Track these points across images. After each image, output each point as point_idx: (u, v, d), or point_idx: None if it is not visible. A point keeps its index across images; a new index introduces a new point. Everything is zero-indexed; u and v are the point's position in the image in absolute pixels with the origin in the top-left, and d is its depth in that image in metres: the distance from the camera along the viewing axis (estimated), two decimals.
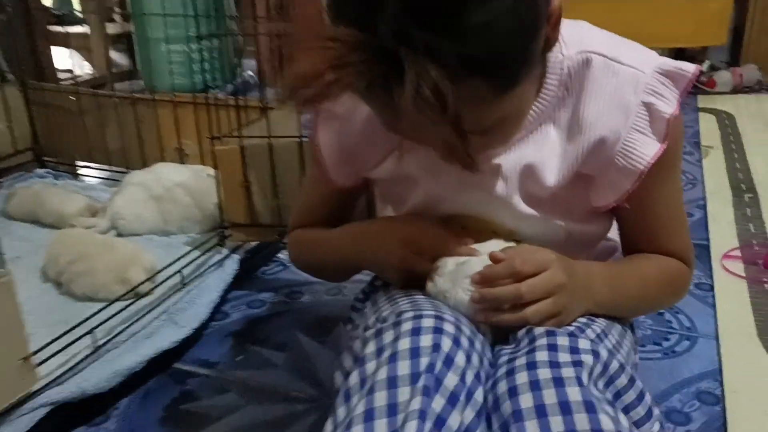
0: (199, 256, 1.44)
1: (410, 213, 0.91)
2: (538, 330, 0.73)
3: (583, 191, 0.84)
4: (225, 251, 1.48)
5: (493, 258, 0.76)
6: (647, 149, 0.76)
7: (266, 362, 1.31)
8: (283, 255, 1.72)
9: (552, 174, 0.80)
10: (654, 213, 0.84)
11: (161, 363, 1.27)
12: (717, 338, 1.32)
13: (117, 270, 1.32)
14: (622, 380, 0.71)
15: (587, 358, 0.68)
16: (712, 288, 1.49)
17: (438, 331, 0.69)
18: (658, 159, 0.76)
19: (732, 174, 2.04)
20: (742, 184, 1.96)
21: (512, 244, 0.85)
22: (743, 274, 1.51)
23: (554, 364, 0.67)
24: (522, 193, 0.83)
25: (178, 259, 1.39)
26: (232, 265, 1.46)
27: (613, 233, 0.96)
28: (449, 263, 0.81)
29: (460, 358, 0.68)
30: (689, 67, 0.77)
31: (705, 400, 1.17)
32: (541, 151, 0.80)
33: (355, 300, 1.03)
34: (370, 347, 0.70)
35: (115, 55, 3.85)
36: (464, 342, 0.71)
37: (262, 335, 1.40)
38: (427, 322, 0.70)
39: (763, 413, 1.11)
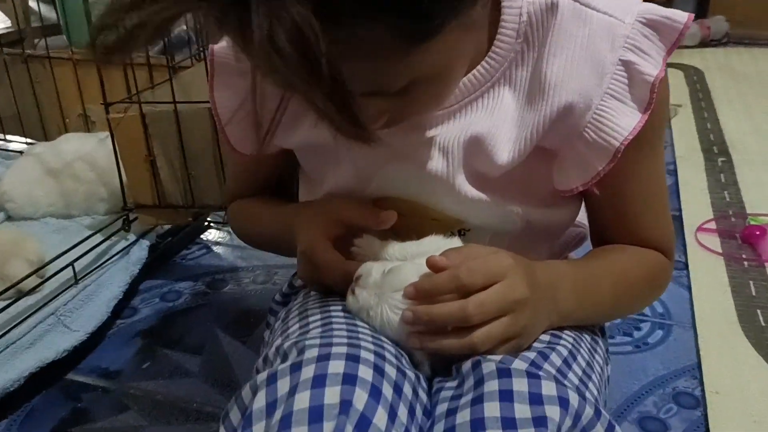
0: (99, 244, 1.22)
1: (331, 195, 0.74)
2: (488, 366, 0.55)
3: (545, 169, 0.68)
4: (131, 237, 1.26)
5: (431, 265, 0.58)
6: (624, 121, 0.61)
7: (178, 369, 1.14)
8: (206, 236, 1.52)
9: (505, 148, 0.64)
10: (631, 197, 0.69)
11: (50, 374, 1.07)
12: (694, 326, 1.18)
13: None
14: (598, 431, 0.54)
15: (553, 412, 0.51)
16: (686, 266, 1.35)
17: (350, 379, 0.51)
18: (638, 133, 0.61)
19: (703, 135, 1.89)
20: (714, 147, 1.81)
21: (456, 240, 0.67)
22: (720, 250, 1.38)
23: (509, 424, 0.49)
24: (467, 172, 0.66)
25: (73, 247, 1.17)
26: (139, 252, 1.26)
27: (582, 217, 0.80)
28: (374, 270, 0.62)
29: (379, 418, 0.50)
30: (679, 16, 0.60)
31: (683, 402, 1.04)
32: (492, 120, 0.63)
33: (273, 301, 0.86)
34: (259, 400, 0.52)
35: (44, 9, 3.51)
36: (386, 390, 0.52)
37: (176, 335, 1.23)
38: (336, 365, 0.52)
39: (750, 419, 0.97)
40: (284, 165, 0.82)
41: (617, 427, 0.56)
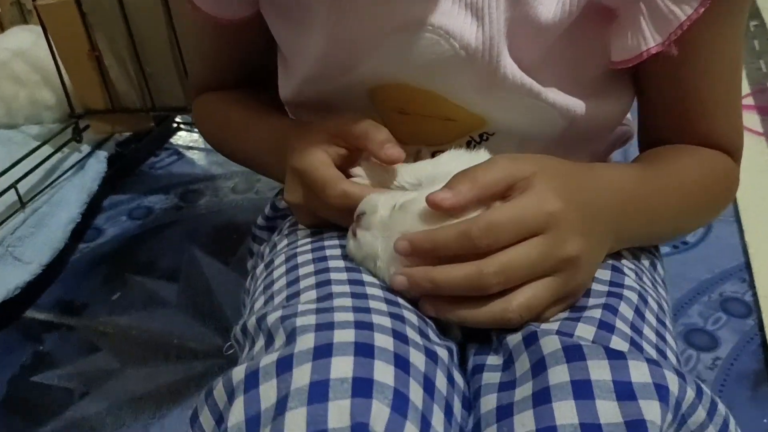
0: (46, 158, 1.04)
1: (307, 80, 0.57)
2: (548, 343, 0.40)
3: (598, 39, 0.52)
4: (85, 148, 1.08)
5: (431, 203, 0.41)
6: None
7: (153, 299, 1.02)
8: (176, 140, 1.34)
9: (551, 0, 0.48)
10: (705, 79, 0.54)
11: (3, 313, 0.93)
12: (738, 220, 1.04)
13: None
14: (699, 416, 0.40)
15: (651, 410, 0.36)
16: None
17: (363, 387, 0.36)
18: None
19: None
20: None
21: (483, 154, 0.50)
22: (760, 130, 1.21)
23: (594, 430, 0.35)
24: (510, 44, 0.49)
25: (14, 165, 0.99)
26: (96, 165, 1.09)
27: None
28: (381, 205, 0.46)
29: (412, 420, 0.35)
30: None
31: (733, 310, 0.93)
32: None
33: (255, 226, 0.72)
34: (236, 413, 0.37)
35: None
36: (415, 395, 0.38)
37: (148, 258, 1.10)
38: (341, 364, 0.37)
39: None
40: (266, 44, 0.65)
41: (720, 404, 0.42)
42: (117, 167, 1.18)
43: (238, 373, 0.39)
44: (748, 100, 1.30)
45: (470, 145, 0.56)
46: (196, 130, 1.36)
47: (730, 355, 0.85)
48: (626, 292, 0.47)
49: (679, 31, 0.47)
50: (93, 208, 1.12)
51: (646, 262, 0.56)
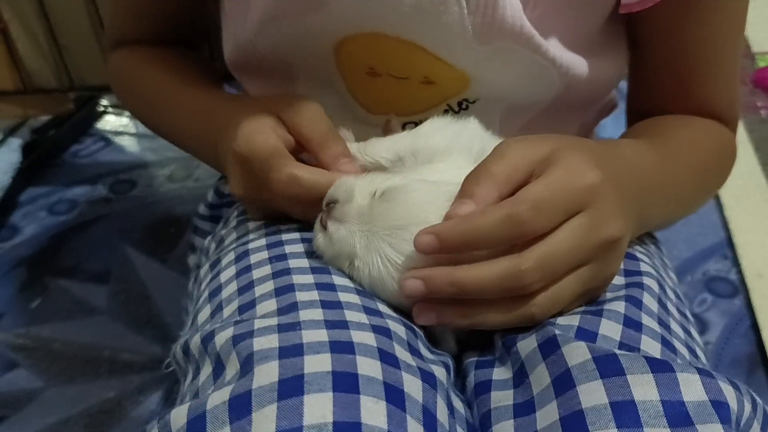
0: None
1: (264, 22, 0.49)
2: (573, 350, 0.35)
3: None
4: None
5: (456, 216, 0.35)
6: None
7: (79, 306, 0.91)
8: (102, 125, 1.23)
9: None
10: (708, 37, 0.52)
11: None
12: (716, 194, 0.99)
13: None
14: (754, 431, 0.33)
15: None
16: None
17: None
18: None
19: None
20: None
21: (473, 122, 0.45)
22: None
23: None
24: None
25: None
26: (8, 155, 0.99)
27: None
28: (357, 191, 0.38)
29: None
30: None
31: (719, 290, 0.89)
32: None
33: (197, 216, 0.66)
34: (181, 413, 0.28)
35: None
36: (412, 420, 0.30)
37: (73, 259, 0.99)
38: (315, 405, 0.28)
39: None
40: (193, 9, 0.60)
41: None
42: (33, 157, 1.06)
43: (178, 417, 0.29)
44: None
45: (448, 113, 0.50)
46: (125, 113, 1.24)
47: (720, 339, 0.82)
48: (646, 280, 0.42)
49: None
50: (6, 203, 1.03)
51: (652, 246, 0.51)
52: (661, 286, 0.43)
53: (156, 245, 0.99)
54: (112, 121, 1.25)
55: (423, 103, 0.51)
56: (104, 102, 1.24)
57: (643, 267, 0.44)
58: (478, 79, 0.48)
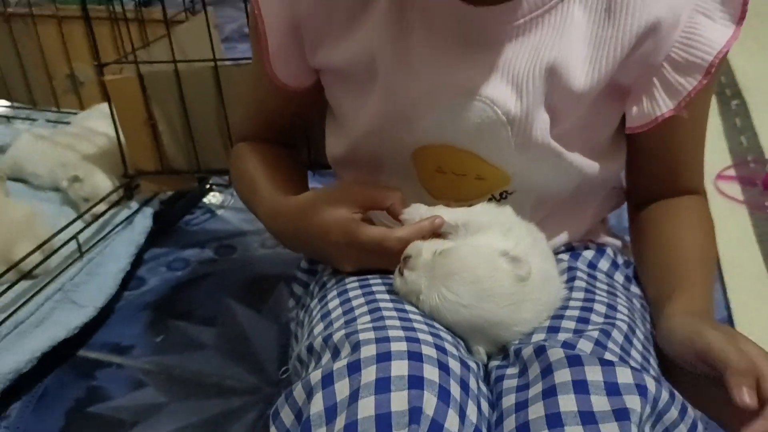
0: (102, 214, 1.16)
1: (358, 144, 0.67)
2: (555, 353, 0.52)
3: (613, 111, 0.63)
4: (134, 205, 1.20)
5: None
6: (716, 35, 0.57)
7: (192, 342, 1.10)
8: (209, 199, 1.45)
9: (581, 71, 0.58)
10: (690, 134, 0.65)
11: (61, 352, 1.03)
12: (721, 280, 1.15)
13: (1, 246, 1.03)
14: (672, 414, 0.51)
15: (633, 402, 0.48)
16: None
17: (416, 382, 0.47)
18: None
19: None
20: (726, 90, 1.75)
21: (508, 209, 0.62)
22: (741, 198, 1.33)
23: (588, 418, 0.46)
24: (542, 112, 0.60)
25: (76, 219, 1.11)
26: (143, 221, 1.21)
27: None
28: (424, 250, 0.57)
29: (451, 421, 0.46)
30: None
31: None
32: (562, 40, 0.58)
33: (298, 269, 0.81)
34: (317, 404, 0.48)
35: None
36: (454, 389, 0.49)
37: (187, 306, 1.19)
38: (399, 366, 0.48)
39: None
40: (306, 109, 0.76)
41: (690, 408, 0.53)
42: (160, 223, 1.28)
43: (315, 376, 0.50)
44: (731, 172, 1.42)
45: (491, 201, 0.66)
46: (227, 190, 1.48)
47: None
48: (618, 323, 0.59)
49: (688, 98, 0.58)
50: (136, 259, 1.21)
51: (636, 303, 0.67)
52: (631, 328, 0.61)
53: (252, 297, 1.17)
54: (217, 197, 1.47)
55: (475, 194, 0.66)
56: (211, 181, 1.48)
57: (619, 315, 0.62)
58: (517, 177, 0.64)
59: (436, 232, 0.60)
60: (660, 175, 0.68)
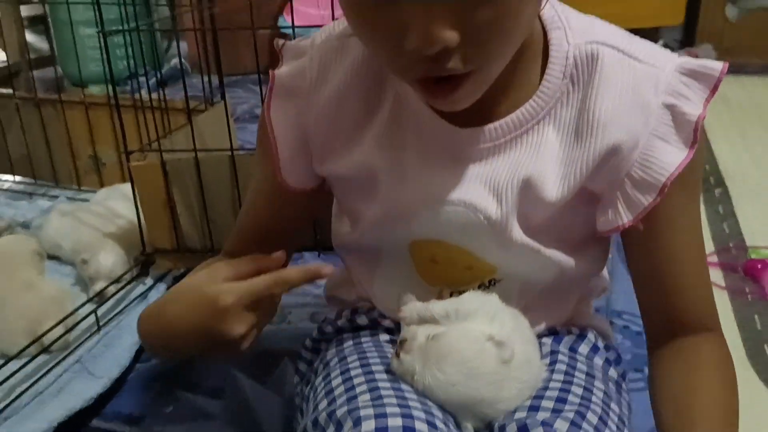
0: (120, 289, 1.24)
1: (365, 232, 0.75)
2: (536, 431, 0.58)
3: (586, 213, 0.70)
4: (149, 281, 1.28)
5: None
6: (670, 158, 0.64)
7: (201, 412, 1.13)
8: None
9: (553, 186, 0.66)
10: (689, 262, 0.69)
11: (76, 421, 1.08)
12: None
13: (30, 321, 1.11)
14: None
15: None
16: None
17: None
18: (682, 173, 0.64)
19: None
20: (710, 177, 1.85)
21: (494, 297, 0.70)
22: (723, 284, 1.40)
23: None
24: (519, 216, 0.68)
25: (96, 295, 1.18)
26: (156, 296, 1.27)
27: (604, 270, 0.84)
28: (419, 334, 0.65)
29: None
30: (715, 64, 0.64)
31: None
32: (538, 158, 0.66)
33: (303, 348, 0.90)
34: None
35: (33, 38, 3.53)
36: None
37: (195, 377, 1.23)
38: None
39: None
40: (303, 215, 0.84)
41: None
42: None
43: None
44: (713, 258, 1.50)
45: (481, 287, 0.74)
46: None
47: None
48: (593, 405, 0.66)
49: (643, 213, 0.65)
50: None
51: (612, 386, 0.73)
52: (605, 411, 0.67)
53: (258, 371, 1.20)
54: None
55: (465, 281, 0.73)
56: None
57: (594, 399, 0.68)
58: (502, 268, 0.72)
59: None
60: (666, 307, 0.70)
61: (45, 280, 1.24)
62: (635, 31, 0.66)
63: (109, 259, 1.25)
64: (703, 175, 0.71)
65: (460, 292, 0.71)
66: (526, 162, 0.65)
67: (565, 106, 0.65)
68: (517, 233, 0.68)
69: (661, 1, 2.63)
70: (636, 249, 0.71)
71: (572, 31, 0.65)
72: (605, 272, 0.85)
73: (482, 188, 0.66)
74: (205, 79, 1.40)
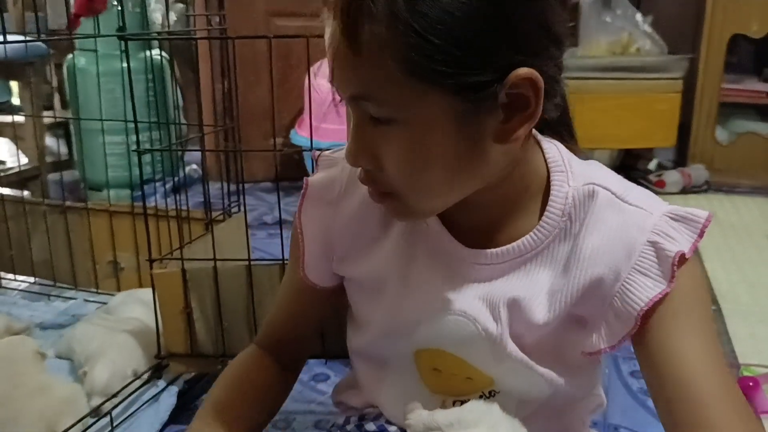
0: (134, 392, 1.28)
1: (373, 340, 0.81)
2: None
3: (576, 336, 0.74)
4: (162, 384, 1.32)
5: None
6: (646, 292, 0.67)
7: None
8: None
9: (541, 311, 0.71)
10: (681, 378, 0.66)
11: None
12: None
13: (47, 421, 1.14)
14: None
15: None
16: None
17: None
18: (669, 305, 0.67)
19: None
20: None
21: (495, 407, 0.74)
22: None
23: None
24: (512, 335, 0.73)
25: (112, 397, 1.23)
26: (168, 399, 1.31)
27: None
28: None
29: None
30: (701, 213, 0.69)
31: None
32: (530, 285, 0.72)
33: None
34: None
35: (52, 142, 3.69)
36: None
37: None
38: None
39: None
40: (325, 307, 0.89)
41: None
42: (179, 402, 1.39)
43: None
44: None
45: (482, 397, 0.78)
46: None
47: None
48: None
49: (620, 341, 0.69)
50: None
51: None
52: None
53: None
54: None
55: (466, 391, 0.77)
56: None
57: None
58: (499, 380, 0.76)
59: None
60: (674, 418, 0.67)
61: (55, 381, 1.28)
62: (631, 151, 0.73)
63: (104, 375, 1.27)
64: (705, 303, 0.71)
65: (462, 402, 0.75)
66: (519, 286, 0.72)
67: (562, 242, 0.70)
68: (512, 348, 0.72)
69: (655, 124, 2.77)
70: (646, 378, 0.71)
71: (573, 175, 0.71)
72: (600, 389, 0.89)
73: (480, 303, 0.73)
74: (224, 190, 1.49)
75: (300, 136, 2.67)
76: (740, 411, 0.65)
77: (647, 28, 2.86)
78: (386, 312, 0.78)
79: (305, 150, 1.92)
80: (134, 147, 2.24)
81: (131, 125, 1.23)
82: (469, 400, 0.75)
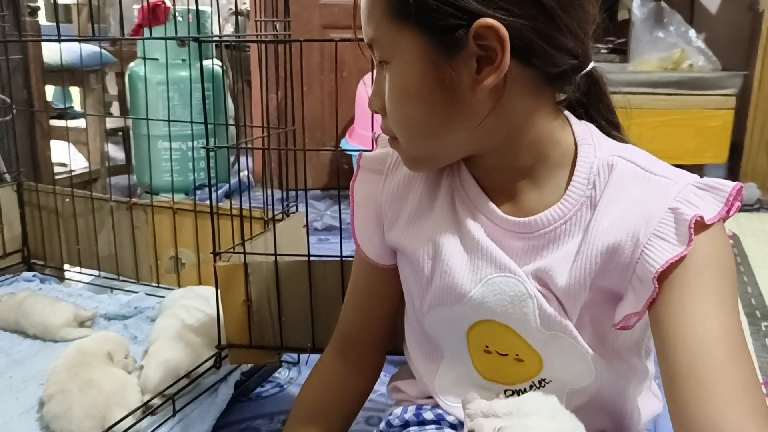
0: (195, 380, 1.34)
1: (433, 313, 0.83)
2: None
3: (612, 310, 0.76)
4: (222, 372, 1.38)
5: None
6: (663, 254, 0.68)
7: None
8: (279, 374, 1.61)
9: (563, 276, 0.74)
10: (693, 342, 0.65)
11: None
12: None
13: (97, 414, 1.20)
14: None
15: None
16: None
17: None
18: (686, 271, 0.67)
19: (744, 299, 1.98)
20: (756, 311, 1.89)
21: (553, 398, 0.76)
22: None
23: None
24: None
25: (173, 384, 1.28)
26: (226, 390, 1.36)
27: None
28: (486, 427, 0.72)
29: None
30: (729, 183, 0.70)
31: None
32: (556, 254, 0.75)
33: None
34: None
35: (112, 148, 3.84)
36: None
37: None
38: None
39: None
40: (389, 305, 0.93)
41: None
42: (236, 393, 1.44)
43: None
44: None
45: (532, 388, 0.81)
46: (294, 367, 1.64)
47: None
48: None
49: (646, 306, 0.69)
50: (214, 426, 1.34)
51: None
52: None
53: None
54: (285, 373, 1.61)
55: (516, 378, 0.80)
56: (283, 357, 1.64)
57: None
58: (546, 361, 0.78)
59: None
60: (681, 384, 0.65)
61: (110, 371, 1.32)
62: (680, 167, 0.73)
63: (156, 376, 1.32)
64: (726, 275, 0.69)
65: (515, 393, 0.78)
66: (546, 254, 0.75)
67: (588, 210, 0.73)
68: (553, 310, 0.75)
69: (706, 141, 2.76)
70: (656, 347, 0.71)
71: (600, 148, 0.74)
72: (654, 390, 0.89)
73: (516, 266, 0.77)
74: (283, 188, 1.55)
75: (350, 144, 2.73)
76: (745, 387, 0.63)
77: (700, 44, 2.85)
78: (437, 279, 0.81)
79: (365, 151, 1.96)
80: (196, 149, 2.32)
81: (192, 130, 1.28)
82: (521, 390, 0.78)
